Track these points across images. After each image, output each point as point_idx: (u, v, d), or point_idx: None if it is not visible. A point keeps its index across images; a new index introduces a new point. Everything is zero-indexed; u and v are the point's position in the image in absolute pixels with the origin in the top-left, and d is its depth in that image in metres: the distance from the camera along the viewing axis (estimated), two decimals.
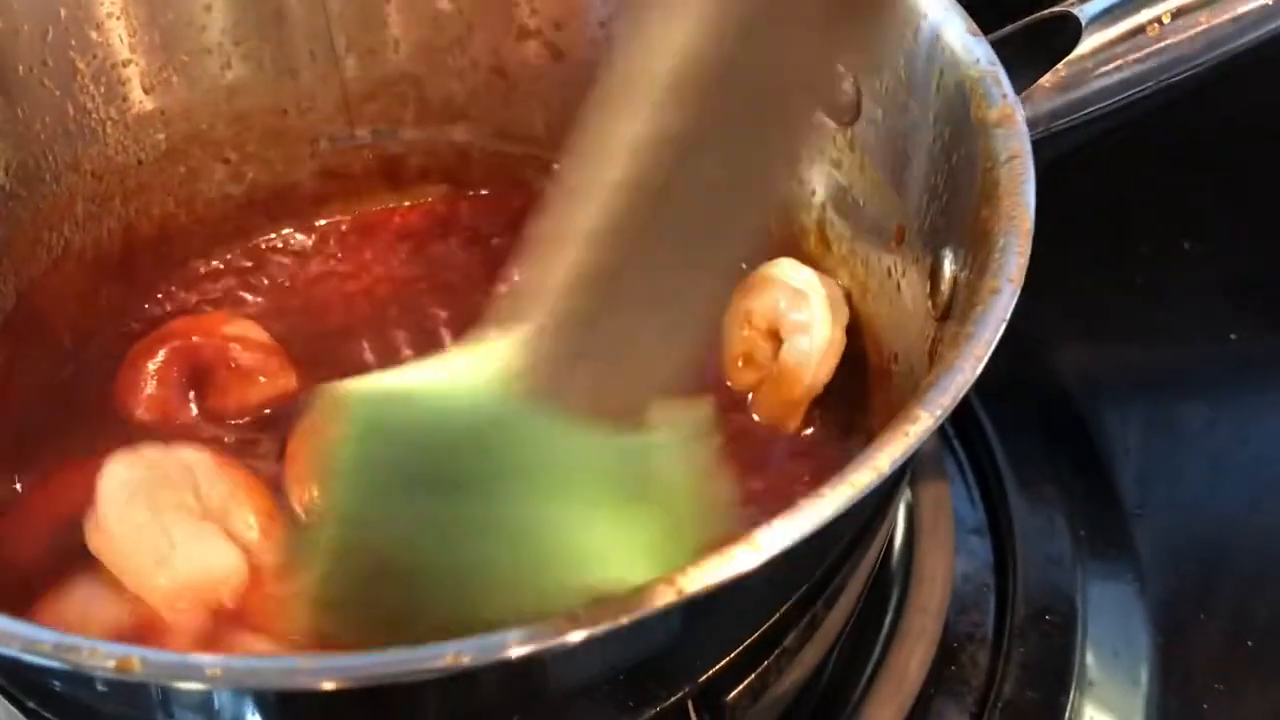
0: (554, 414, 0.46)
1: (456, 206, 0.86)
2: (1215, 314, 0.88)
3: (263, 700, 0.46)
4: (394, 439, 0.48)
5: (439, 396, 0.48)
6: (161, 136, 0.78)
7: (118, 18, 0.74)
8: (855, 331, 0.74)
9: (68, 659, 0.42)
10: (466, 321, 0.56)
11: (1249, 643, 0.75)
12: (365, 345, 0.78)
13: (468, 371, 0.48)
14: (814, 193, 0.75)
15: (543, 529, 0.47)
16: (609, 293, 0.44)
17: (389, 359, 0.76)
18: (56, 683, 0.50)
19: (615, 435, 0.46)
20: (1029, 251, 0.54)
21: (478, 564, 0.48)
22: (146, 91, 0.76)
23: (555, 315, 0.45)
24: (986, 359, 0.50)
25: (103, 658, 0.42)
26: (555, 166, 0.82)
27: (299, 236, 0.84)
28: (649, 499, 0.48)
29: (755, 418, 0.72)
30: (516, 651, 0.42)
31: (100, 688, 0.48)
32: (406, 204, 0.86)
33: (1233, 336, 0.87)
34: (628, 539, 0.47)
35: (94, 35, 0.73)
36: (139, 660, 0.42)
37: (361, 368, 0.75)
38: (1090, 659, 0.74)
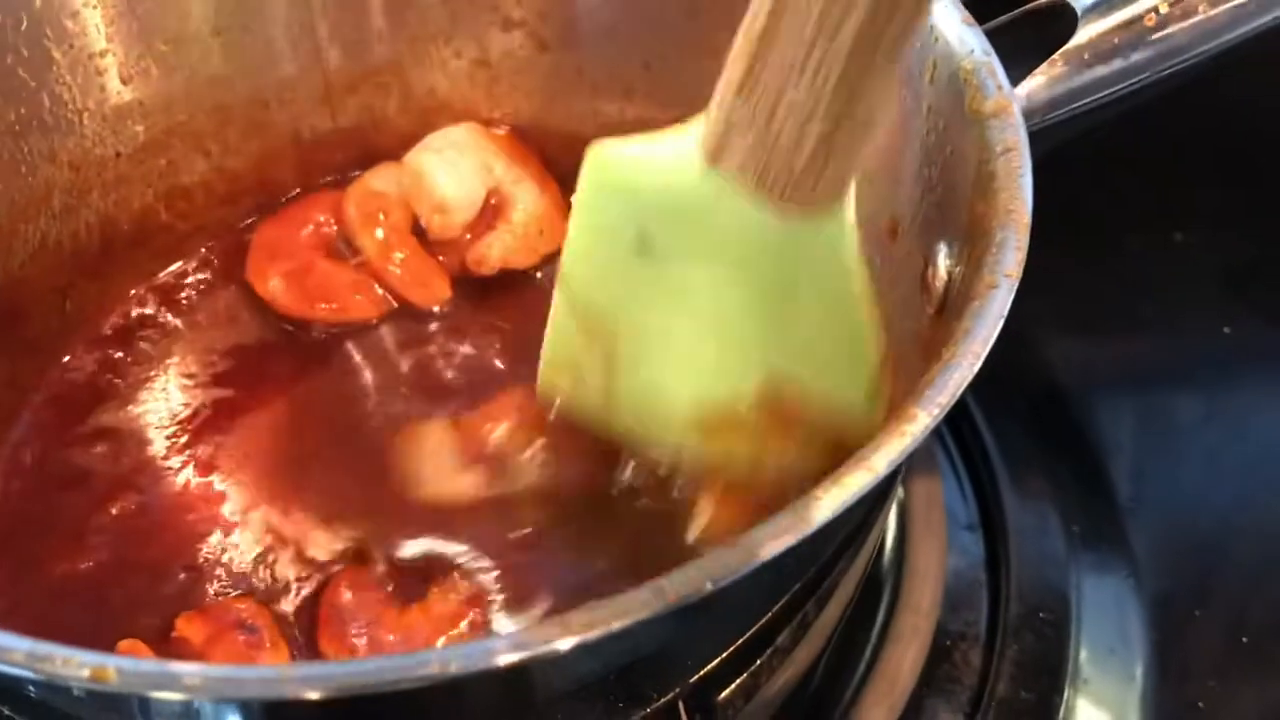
0: (734, 194, 0.52)
1: None
2: (1209, 306, 0.88)
3: (246, 710, 0.45)
4: (624, 198, 0.57)
5: (660, 164, 0.55)
6: (140, 128, 0.76)
7: (94, 6, 0.72)
8: None
9: (41, 669, 0.41)
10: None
11: (1244, 639, 0.74)
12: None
13: (681, 145, 0.54)
14: None
15: (712, 309, 0.57)
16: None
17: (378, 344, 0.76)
18: (31, 688, 0.49)
19: (780, 229, 0.53)
20: (1027, 246, 0.53)
21: (662, 339, 0.59)
22: (124, 82, 0.75)
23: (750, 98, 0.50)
24: (984, 356, 0.49)
25: (77, 667, 0.41)
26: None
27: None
28: (800, 301, 0.56)
29: None
30: (504, 660, 0.41)
31: (77, 694, 0.47)
32: None
33: (1226, 329, 0.87)
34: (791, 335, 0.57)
35: (70, 24, 0.72)
36: (114, 670, 0.41)
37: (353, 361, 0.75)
38: (1084, 656, 0.73)
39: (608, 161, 0.57)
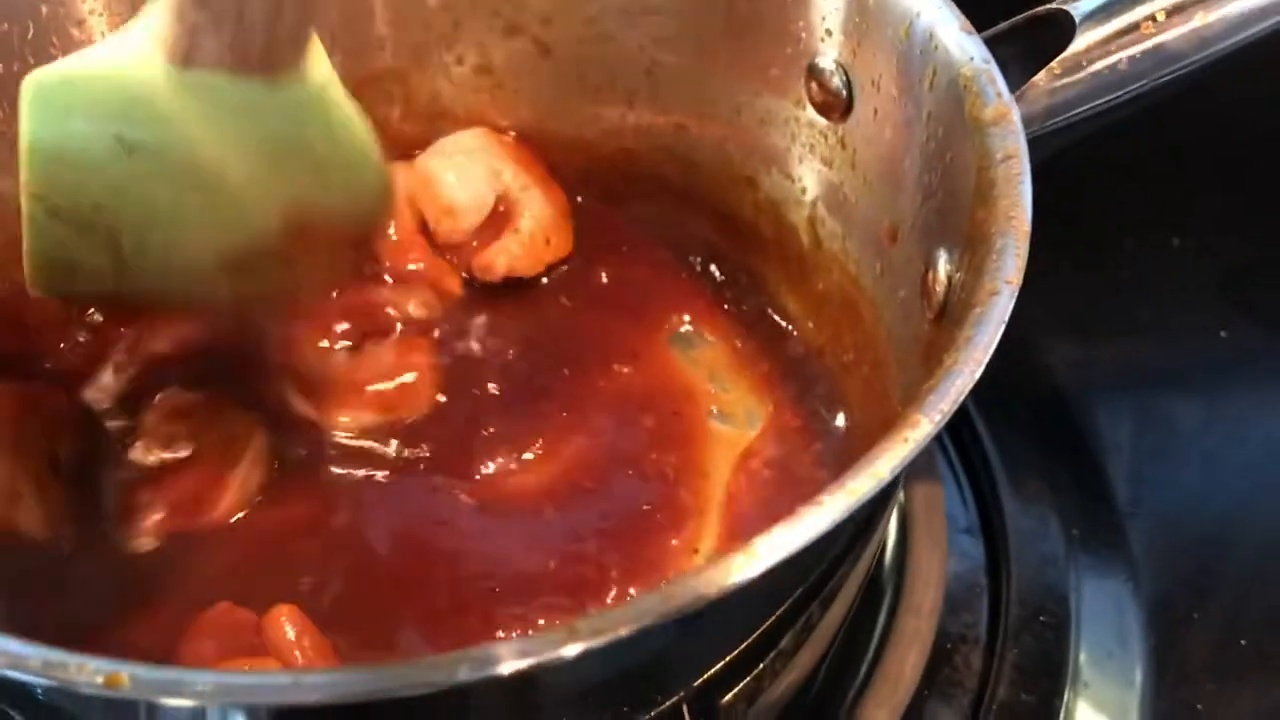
0: (210, 76, 0.57)
1: None
2: (1207, 310, 0.88)
3: (254, 716, 0.45)
4: (84, 114, 0.59)
5: (116, 75, 0.58)
6: None
7: (99, 14, 0.73)
8: (846, 328, 0.73)
9: (55, 676, 0.42)
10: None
11: (1242, 641, 0.75)
12: None
13: (134, 49, 0.57)
14: (805, 190, 0.75)
15: (221, 175, 0.60)
16: None
17: None
18: (39, 691, 0.49)
19: (266, 90, 0.58)
20: (1027, 253, 0.53)
21: (172, 211, 0.62)
22: None
23: None
24: (985, 363, 0.50)
25: (90, 674, 0.41)
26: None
27: None
28: (302, 141, 0.62)
29: None
30: (512, 667, 0.42)
31: (86, 696, 0.47)
32: None
33: (1224, 333, 0.87)
34: (292, 176, 0.62)
35: (76, 32, 0.72)
36: (128, 677, 0.41)
37: None
38: (1084, 659, 0.74)
39: (55, 88, 0.59)
